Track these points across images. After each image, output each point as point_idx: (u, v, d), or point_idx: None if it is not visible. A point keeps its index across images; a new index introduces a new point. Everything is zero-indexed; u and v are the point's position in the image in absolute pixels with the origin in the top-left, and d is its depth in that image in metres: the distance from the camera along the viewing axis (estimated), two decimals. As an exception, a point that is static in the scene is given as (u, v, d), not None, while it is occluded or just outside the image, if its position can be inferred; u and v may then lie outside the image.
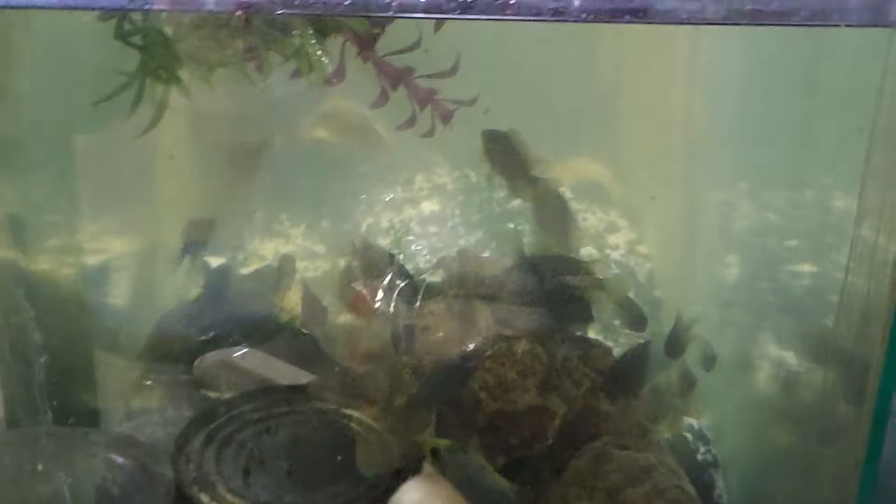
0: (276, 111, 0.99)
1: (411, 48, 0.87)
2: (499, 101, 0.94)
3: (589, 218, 1.23)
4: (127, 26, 0.87)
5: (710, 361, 0.99)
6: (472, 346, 0.96)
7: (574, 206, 1.03)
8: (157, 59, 0.89)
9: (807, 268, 1.00)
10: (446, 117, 0.93)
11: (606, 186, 1.20)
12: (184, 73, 0.90)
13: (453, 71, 0.89)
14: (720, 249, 1.11)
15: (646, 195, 1.15)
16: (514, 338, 0.97)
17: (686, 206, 1.13)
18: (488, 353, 0.96)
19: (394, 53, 0.89)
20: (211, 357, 1.03)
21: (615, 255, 1.22)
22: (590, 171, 1.19)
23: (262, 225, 1.20)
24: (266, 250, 1.21)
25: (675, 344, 0.97)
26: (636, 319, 1.00)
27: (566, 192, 1.00)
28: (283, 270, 1.06)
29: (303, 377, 1.01)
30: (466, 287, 1.00)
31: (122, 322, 1.07)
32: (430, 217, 1.19)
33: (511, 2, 0.68)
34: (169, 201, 1.08)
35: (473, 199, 1.18)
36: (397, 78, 0.92)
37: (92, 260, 1.08)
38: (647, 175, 1.13)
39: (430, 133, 0.91)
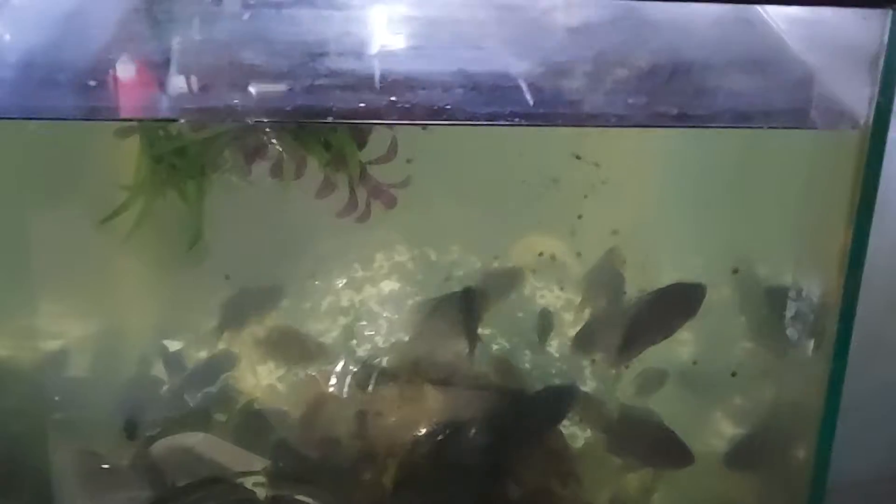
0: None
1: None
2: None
3: (546, 295, 1.24)
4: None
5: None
6: (423, 431, 0.97)
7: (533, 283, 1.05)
8: (182, 170, 0.91)
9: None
10: (390, 204, 0.95)
11: (565, 262, 1.22)
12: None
13: (392, 155, 0.91)
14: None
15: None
16: (466, 422, 0.98)
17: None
18: (439, 437, 0.97)
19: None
20: (167, 442, 1.03)
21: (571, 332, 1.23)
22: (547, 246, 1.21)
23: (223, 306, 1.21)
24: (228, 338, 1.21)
25: None
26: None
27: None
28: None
29: (258, 462, 1.01)
30: (419, 372, 1.01)
31: (77, 405, 1.07)
32: (388, 296, 1.20)
33: (446, 107, 0.70)
34: (126, 285, 1.09)
35: (433, 278, 1.19)
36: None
37: (50, 344, 1.09)
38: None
39: (364, 217, 0.93)
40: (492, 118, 0.69)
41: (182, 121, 0.84)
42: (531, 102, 0.70)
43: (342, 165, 0.91)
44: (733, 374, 0.93)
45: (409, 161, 0.92)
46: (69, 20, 0.80)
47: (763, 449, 0.91)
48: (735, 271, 0.93)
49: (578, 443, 1.04)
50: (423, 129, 0.85)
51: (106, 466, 1.07)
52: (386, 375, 1.02)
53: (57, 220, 0.98)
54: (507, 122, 0.69)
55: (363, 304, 1.04)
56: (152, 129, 0.90)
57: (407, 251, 1.15)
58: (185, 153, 0.92)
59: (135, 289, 1.08)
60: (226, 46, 0.77)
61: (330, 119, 0.76)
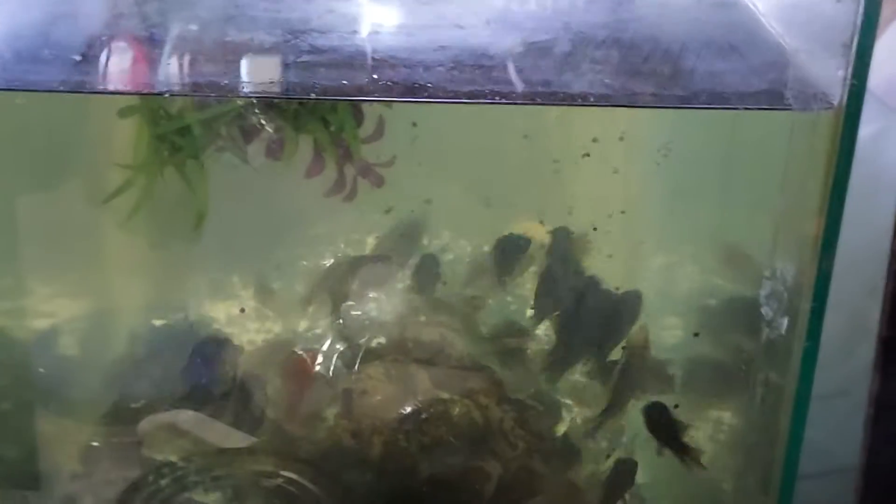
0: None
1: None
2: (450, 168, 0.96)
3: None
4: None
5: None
6: (409, 409, 0.99)
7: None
8: (184, 149, 0.92)
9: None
10: (378, 183, 0.96)
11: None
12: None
13: (379, 134, 0.92)
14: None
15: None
16: (450, 400, 1.00)
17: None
18: (424, 415, 0.98)
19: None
20: (155, 419, 1.04)
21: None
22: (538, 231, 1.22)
23: (213, 286, 1.22)
24: (217, 311, 1.22)
25: None
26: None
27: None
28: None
29: (243, 439, 1.02)
30: (404, 351, 1.02)
31: (66, 382, 1.08)
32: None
33: (428, 86, 0.71)
34: (115, 263, 1.10)
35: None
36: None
37: (40, 322, 1.10)
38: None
39: (351, 196, 0.94)
40: (472, 96, 0.70)
41: (182, 96, 0.84)
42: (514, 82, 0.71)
43: (328, 144, 0.92)
44: (696, 335, 0.94)
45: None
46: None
47: (737, 433, 0.93)
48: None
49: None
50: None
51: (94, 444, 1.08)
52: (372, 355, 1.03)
53: (53, 199, 0.99)
54: (490, 101, 0.70)
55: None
56: (154, 107, 0.90)
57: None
58: (186, 132, 0.93)
59: (133, 266, 1.09)
60: (216, 24, 0.77)
61: (327, 97, 0.76)
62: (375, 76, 0.71)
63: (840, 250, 0.78)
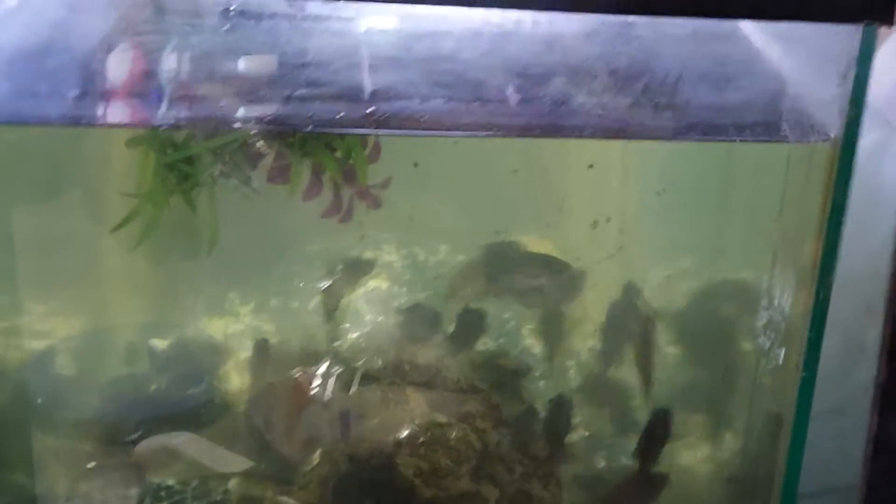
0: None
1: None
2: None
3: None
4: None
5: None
6: (405, 433, 0.98)
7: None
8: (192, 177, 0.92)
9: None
10: (375, 206, 0.97)
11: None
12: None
13: (375, 156, 0.92)
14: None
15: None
16: (448, 424, 0.99)
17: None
18: (421, 439, 0.98)
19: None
20: (152, 441, 1.04)
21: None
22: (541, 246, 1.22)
23: (211, 304, 1.22)
24: (215, 329, 1.22)
25: None
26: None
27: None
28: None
29: (241, 464, 1.02)
30: (401, 374, 1.02)
31: (64, 404, 1.08)
32: (375, 297, 1.21)
33: (422, 119, 0.71)
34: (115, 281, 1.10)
35: (420, 277, 1.20)
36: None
37: (36, 343, 1.10)
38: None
39: (346, 218, 0.95)
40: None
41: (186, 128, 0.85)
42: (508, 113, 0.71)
43: (335, 170, 0.93)
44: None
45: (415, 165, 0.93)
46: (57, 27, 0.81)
47: (737, 457, 0.93)
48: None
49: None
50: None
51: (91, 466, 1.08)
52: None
53: (57, 226, 0.99)
54: (486, 133, 0.70)
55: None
56: (162, 137, 0.91)
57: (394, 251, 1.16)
58: (194, 161, 0.93)
59: (135, 290, 1.09)
60: (213, 56, 0.78)
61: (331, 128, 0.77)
62: (372, 108, 0.71)
63: (837, 268, 0.78)
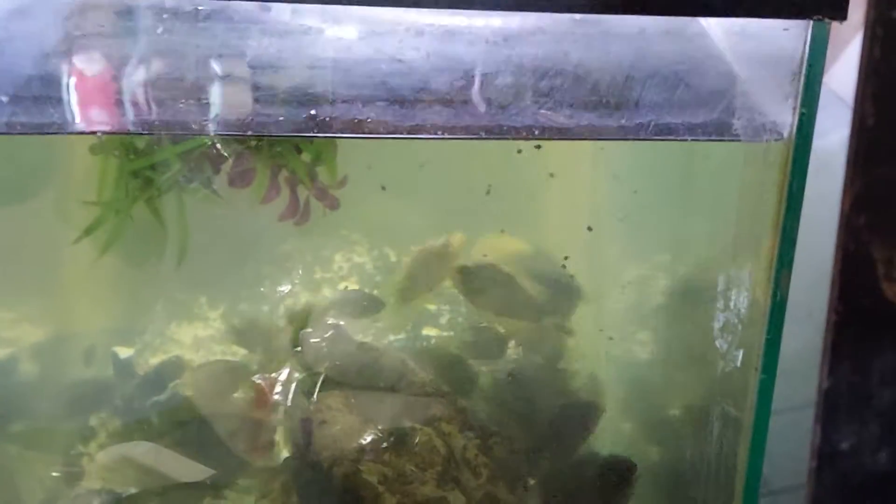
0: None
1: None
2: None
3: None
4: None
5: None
6: (369, 439, 0.97)
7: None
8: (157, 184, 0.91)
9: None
10: (333, 206, 0.95)
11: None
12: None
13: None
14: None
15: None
16: (412, 428, 0.98)
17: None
18: (385, 445, 0.97)
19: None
20: (112, 451, 1.03)
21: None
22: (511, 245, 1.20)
23: (175, 310, 1.20)
24: (183, 335, 1.21)
25: None
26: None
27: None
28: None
29: (202, 472, 1.00)
30: (365, 379, 1.00)
31: (23, 412, 1.07)
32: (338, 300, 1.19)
33: (368, 121, 0.69)
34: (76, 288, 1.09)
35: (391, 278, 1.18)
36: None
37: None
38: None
39: (303, 219, 0.93)
40: (412, 131, 0.68)
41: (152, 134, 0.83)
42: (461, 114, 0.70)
43: (304, 174, 0.91)
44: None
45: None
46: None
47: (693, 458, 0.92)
48: None
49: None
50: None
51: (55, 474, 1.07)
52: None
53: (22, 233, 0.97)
54: (431, 136, 0.69)
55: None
56: (126, 143, 0.89)
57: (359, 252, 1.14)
58: (159, 167, 0.92)
59: (98, 297, 1.08)
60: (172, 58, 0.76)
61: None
62: (314, 112, 0.69)
63: (811, 256, 0.77)
